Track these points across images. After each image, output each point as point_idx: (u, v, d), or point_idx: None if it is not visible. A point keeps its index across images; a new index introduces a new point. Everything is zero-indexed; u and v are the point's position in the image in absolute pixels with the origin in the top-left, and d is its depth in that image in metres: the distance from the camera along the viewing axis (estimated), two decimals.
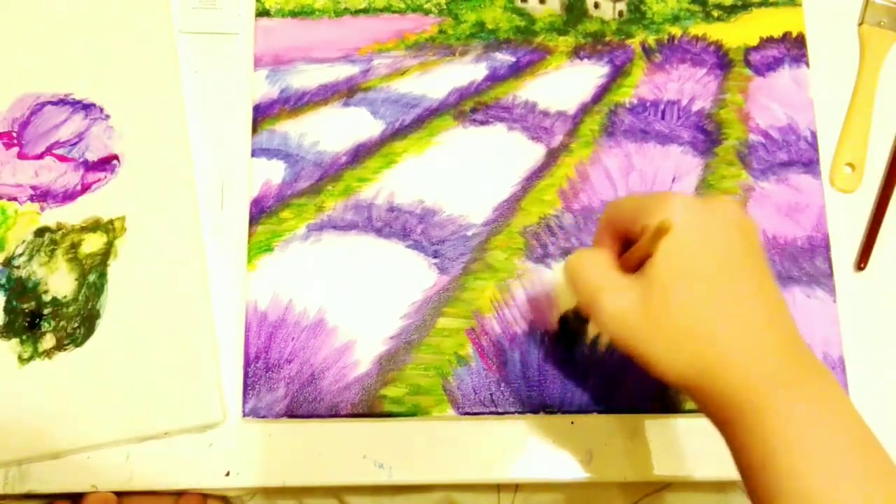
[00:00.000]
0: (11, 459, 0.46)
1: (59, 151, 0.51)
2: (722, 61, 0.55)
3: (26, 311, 0.48)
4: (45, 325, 0.47)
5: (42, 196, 0.50)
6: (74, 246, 0.49)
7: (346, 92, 0.53)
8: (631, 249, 0.37)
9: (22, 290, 0.48)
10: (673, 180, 0.52)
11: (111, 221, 0.49)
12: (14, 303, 0.48)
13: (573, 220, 0.51)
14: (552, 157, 0.53)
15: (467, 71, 0.54)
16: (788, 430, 0.32)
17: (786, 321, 0.35)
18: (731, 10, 0.56)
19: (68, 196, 0.50)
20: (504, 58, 0.55)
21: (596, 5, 0.56)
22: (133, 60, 0.52)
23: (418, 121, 0.53)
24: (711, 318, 0.34)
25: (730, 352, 0.34)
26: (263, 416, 0.47)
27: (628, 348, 0.35)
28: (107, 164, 0.51)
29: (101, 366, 0.47)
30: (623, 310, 0.35)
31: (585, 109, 0.54)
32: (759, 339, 0.34)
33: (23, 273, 0.48)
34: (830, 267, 0.50)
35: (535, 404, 0.47)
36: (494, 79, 0.54)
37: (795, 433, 0.32)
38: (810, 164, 0.53)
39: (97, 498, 0.48)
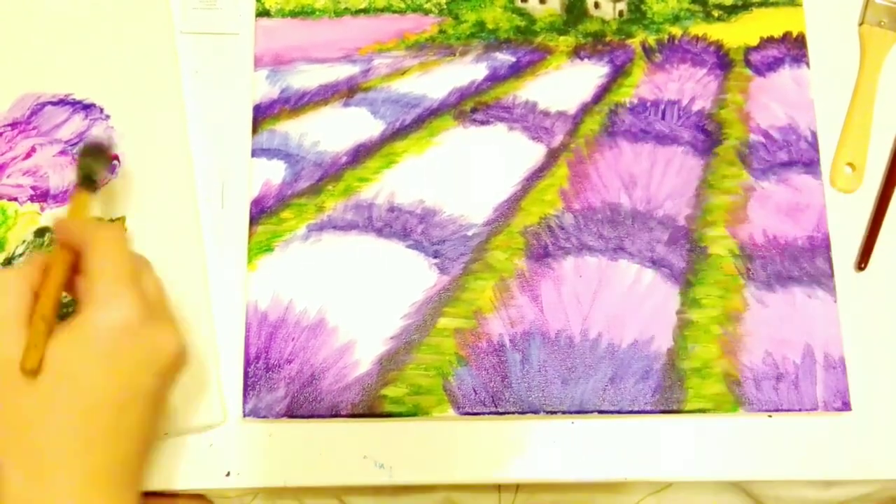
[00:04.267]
0: None
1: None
2: (722, 61, 0.55)
3: None
4: None
5: (42, 196, 0.50)
6: None
7: (347, 92, 0.53)
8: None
9: None
10: (674, 181, 0.52)
11: (111, 221, 0.49)
12: None
13: (573, 220, 0.51)
14: (552, 157, 0.53)
15: (467, 71, 0.54)
16: None
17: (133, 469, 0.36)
18: (732, 10, 0.56)
19: (69, 196, 0.50)
20: (504, 58, 0.55)
21: (596, 5, 0.56)
22: (133, 60, 0.52)
23: (418, 121, 0.53)
24: (66, 428, 0.34)
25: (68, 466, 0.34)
26: (263, 417, 0.47)
27: None
28: None
29: None
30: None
31: (586, 109, 0.54)
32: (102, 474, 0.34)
33: None
34: (831, 267, 0.50)
35: (535, 404, 0.47)
36: (494, 79, 0.54)
37: None
38: (811, 164, 0.53)
39: None
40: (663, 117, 0.54)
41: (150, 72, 0.52)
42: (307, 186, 0.51)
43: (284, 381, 0.47)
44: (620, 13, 0.56)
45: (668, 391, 0.48)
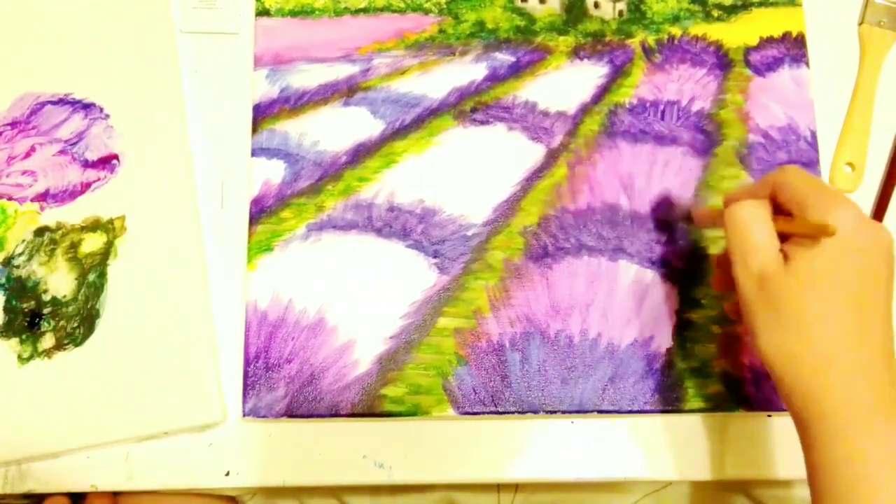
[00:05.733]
0: (11, 459, 0.46)
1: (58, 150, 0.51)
2: (722, 61, 0.55)
3: (26, 310, 0.48)
4: (44, 325, 0.47)
5: (42, 196, 0.50)
6: (74, 245, 0.49)
7: (347, 91, 0.53)
8: (788, 223, 0.39)
9: (22, 289, 0.48)
10: (673, 181, 0.52)
11: (111, 221, 0.49)
12: (14, 302, 0.48)
13: (573, 220, 0.51)
14: (552, 157, 0.53)
15: (467, 71, 0.54)
16: (878, 449, 0.35)
17: (893, 354, 0.38)
18: (731, 10, 0.56)
19: (68, 195, 0.50)
20: (504, 57, 0.55)
21: (596, 5, 0.56)
22: (133, 60, 0.52)
23: (418, 120, 0.53)
24: (834, 325, 0.37)
25: (839, 362, 0.36)
26: (263, 416, 0.47)
27: (747, 306, 0.38)
28: (107, 163, 0.51)
29: (100, 365, 0.47)
30: (763, 275, 0.38)
31: (585, 109, 0.54)
32: (869, 365, 0.37)
33: (23, 273, 0.48)
34: None
35: (535, 404, 0.47)
36: (494, 79, 0.54)
37: (883, 453, 0.35)
38: (810, 164, 0.53)
39: (97, 498, 0.48)
40: (662, 118, 0.54)
41: (150, 71, 0.52)
42: (307, 186, 0.51)
43: (284, 381, 0.47)
44: (620, 13, 0.56)
45: (667, 391, 0.48)
